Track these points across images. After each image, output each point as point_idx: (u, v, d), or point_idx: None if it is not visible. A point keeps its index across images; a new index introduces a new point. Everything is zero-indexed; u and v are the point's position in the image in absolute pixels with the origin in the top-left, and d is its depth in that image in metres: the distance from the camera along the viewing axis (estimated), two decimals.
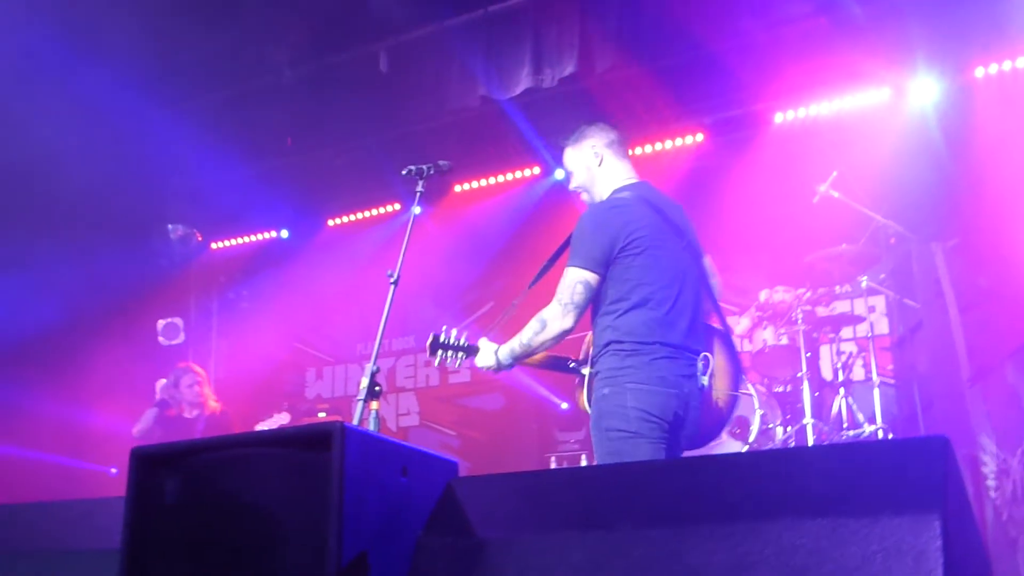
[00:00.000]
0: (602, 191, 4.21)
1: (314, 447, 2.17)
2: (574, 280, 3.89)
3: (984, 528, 4.90)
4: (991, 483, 5.16)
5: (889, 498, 1.78)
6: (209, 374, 9.79)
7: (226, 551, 2.29)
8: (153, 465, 2.48)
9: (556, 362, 4.31)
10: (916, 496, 1.75)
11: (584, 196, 4.30)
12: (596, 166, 4.25)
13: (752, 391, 6.49)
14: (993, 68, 6.75)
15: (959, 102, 6.76)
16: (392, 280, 4.13)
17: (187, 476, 2.42)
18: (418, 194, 4.41)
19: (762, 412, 6.46)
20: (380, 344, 4.03)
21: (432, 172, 4.42)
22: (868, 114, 7.25)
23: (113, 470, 8.52)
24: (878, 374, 6.54)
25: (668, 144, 8.09)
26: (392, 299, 4.10)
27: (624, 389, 3.70)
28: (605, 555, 2.08)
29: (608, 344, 3.84)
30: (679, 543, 2.01)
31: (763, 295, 7.22)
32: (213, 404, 7.54)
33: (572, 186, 4.34)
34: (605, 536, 2.11)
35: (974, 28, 6.48)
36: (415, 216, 4.33)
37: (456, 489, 2.38)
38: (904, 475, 1.81)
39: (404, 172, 4.41)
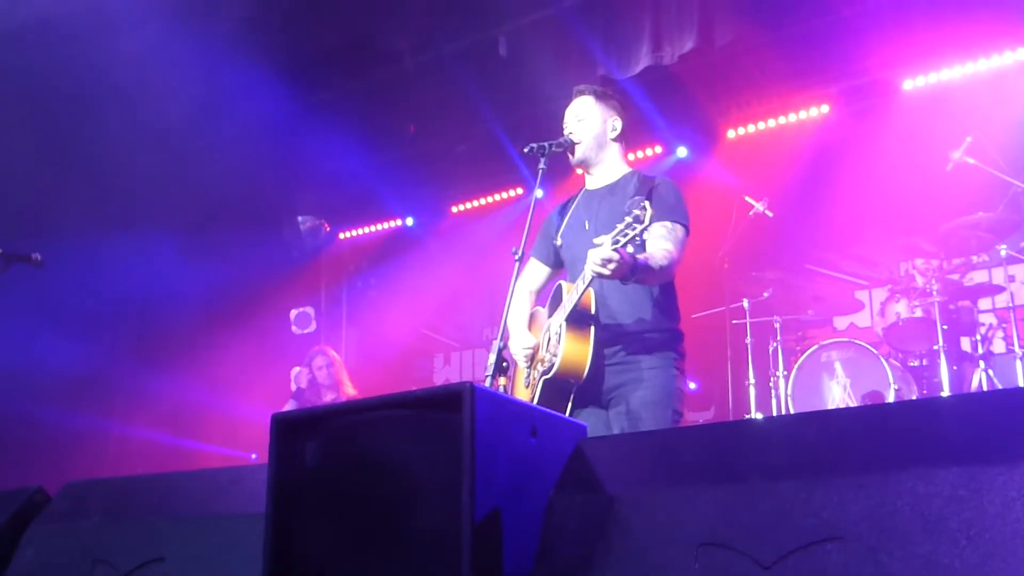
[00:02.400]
0: (604, 162, 4.25)
1: (446, 408, 2.22)
2: (684, 240, 3.96)
3: None
4: None
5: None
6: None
7: (364, 510, 2.37)
8: (294, 431, 2.58)
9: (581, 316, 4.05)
10: None
11: (576, 152, 4.28)
12: (610, 136, 4.29)
13: (886, 365, 6.34)
14: None
15: None
16: (517, 257, 4.15)
17: (325, 440, 2.51)
18: (540, 172, 4.40)
19: (897, 387, 6.30)
20: (505, 323, 4.06)
21: (555, 148, 4.42)
22: (1002, 76, 6.99)
23: (254, 456, 8.83)
24: (1020, 346, 6.29)
25: (792, 117, 7.95)
26: (518, 275, 4.11)
27: (681, 374, 3.99)
28: (734, 508, 2.07)
29: (671, 328, 4.05)
30: (809, 495, 1.99)
31: (901, 268, 7.04)
32: (350, 389, 7.72)
33: (578, 136, 4.28)
34: (734, 489, 2.11)
35: None
36: (537, 198, 4.34)
37: (585, 449, 2.41)
38: None
39: (526, 150, 4.42)
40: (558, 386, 3.94)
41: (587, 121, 4.30)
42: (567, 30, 7.76)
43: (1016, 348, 6.28)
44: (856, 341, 6.57)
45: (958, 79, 7.21)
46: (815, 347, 6.66)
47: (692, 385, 8.21)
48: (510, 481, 2.24)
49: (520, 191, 9.13)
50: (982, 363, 6.40)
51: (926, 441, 1.93)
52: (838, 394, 6.50)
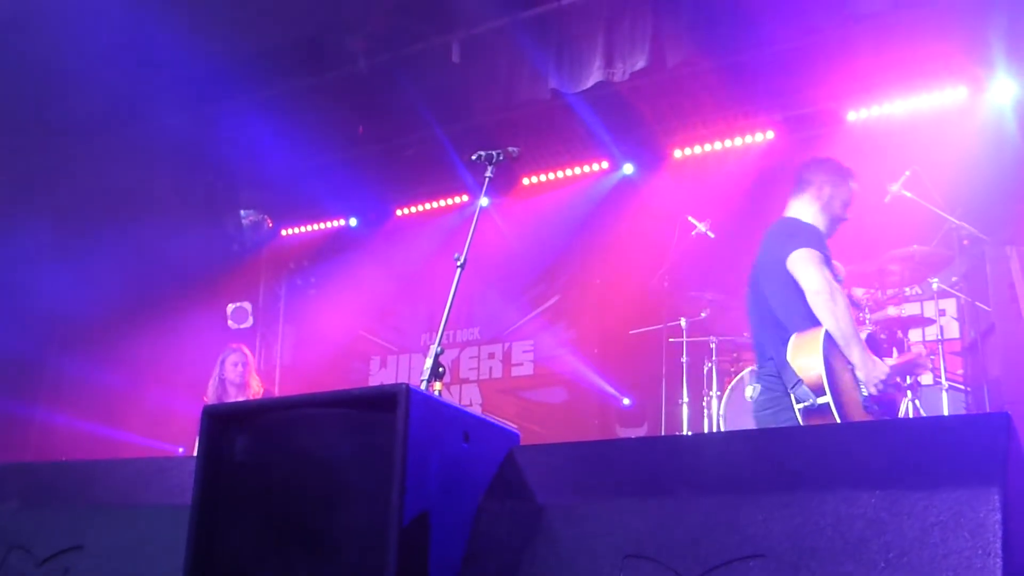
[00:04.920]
0: None
1: (380, 408, 2.22)
2: None
3: None
4: None
5: (949, 472, 1.78)
6: (275, 359, 9.99)
7: (292, 507, 2.35)
8: (224, 424, 2.56)
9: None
10: (976, 470, 1.75)
11: None
12: None
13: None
14: None
15: None
16: (459, 264, 4.15)
17: (256, 434, 2.49)
18: (486, 180, 4.42)
19: None
20: (444, 328, 4.05)
21: (501, 158, 4.43)
22: (943, 113, 7.16)
23: (180, 450, 8.70)
24: (947, 378, 6.43)
25: (738, 141, 8.05)
26: (459, 283, 4.11)
27: None
28: (662, 521, 2.10)
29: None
30: (736, 512, 2.02)
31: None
32: (256, 387, 7.62)
33: None
34: (663, 503, 2.13)
35: None
36: (482, 206, 4.35)
37: (517, 456, 2.42)
38: (964, 449, 1.81)
39: (473, 157, 4.44)
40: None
41: None
42: (521, 41, 7.79)
43: (943, 380, 6.42)
44: None
45: (900, 114, 7.36)
46: (748, 369, 6.73)
47: (626, 401, 8.27)
48: (440, 484, 2.24)
49: (465, 198, 9.13)
50: (909, 393, 6.51)
51: (851, 464, 1.97)
52: None
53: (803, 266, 4.09)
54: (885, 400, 3.97)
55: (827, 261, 4.19)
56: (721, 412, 6.65)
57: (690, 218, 7.16)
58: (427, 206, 9.58)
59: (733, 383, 6.70)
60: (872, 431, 2.10)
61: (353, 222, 10.06)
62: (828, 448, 2.03)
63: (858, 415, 3.87)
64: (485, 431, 2.41)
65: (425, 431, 2.18)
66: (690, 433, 6.76)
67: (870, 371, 3.91)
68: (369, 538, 2.20)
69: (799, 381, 3.87)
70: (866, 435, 2.04)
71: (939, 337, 6.69)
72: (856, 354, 3.92)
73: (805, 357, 3.91)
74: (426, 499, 2.18)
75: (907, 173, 6.54)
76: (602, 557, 2.07)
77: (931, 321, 6.93)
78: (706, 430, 6.81)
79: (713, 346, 6.97)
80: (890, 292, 6.91)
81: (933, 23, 6.53)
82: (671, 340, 7.13)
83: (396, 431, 2.13)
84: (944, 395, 6.38)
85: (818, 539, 1.88)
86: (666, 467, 2.21)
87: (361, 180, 9.24)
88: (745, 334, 7.29)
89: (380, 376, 10.07)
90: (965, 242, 6.63)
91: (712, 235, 7.08)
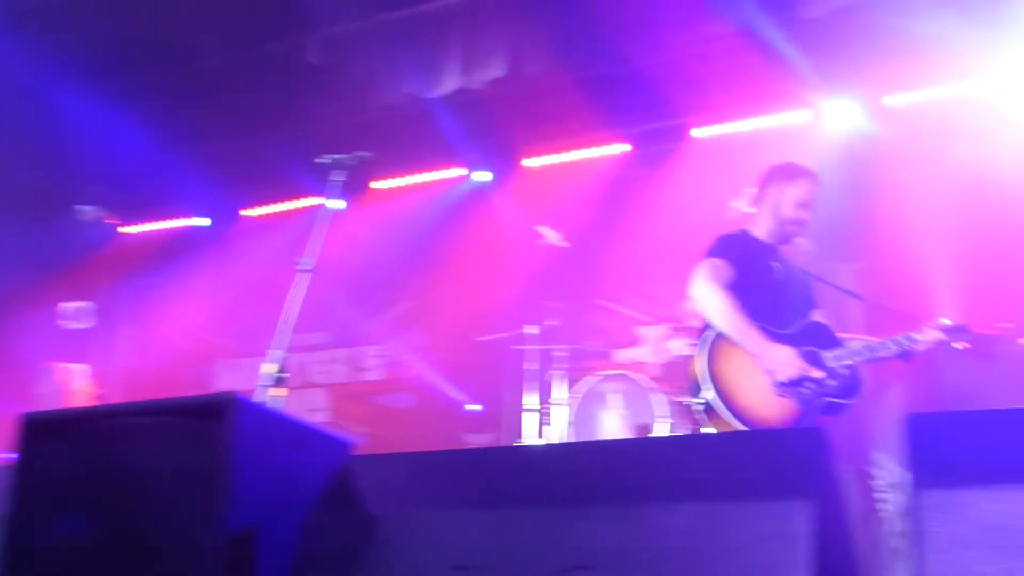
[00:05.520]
0: None
1: (208, 417, 2.16)
2: None
3: (873, 538, 5.04)
4: (881, 496, 5.31)
5: (764, 485, 1.84)
6: (113, 362, 9.61)
7: (113, 518, 2.26)
8: (44, 432, 2.45)
9: None
10: (790, 484, 1.81)
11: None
12: None
13: (660, 400, 6.57)
14: (904, 98, 7.10)
15: (874, 128, 7.00)
16: (304, 269, 4.10)
17: (77, 443, 2.39)
18: (335, 184, 4.38)
19: (668, 422, 6.54)
20: (287, 333, 3.98)
21: (352, 163, 4.42)
22: (787, 134, 7.44)
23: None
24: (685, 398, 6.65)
25: (592, 153, 8.19)
26: (305, 289, 4.06)
27: None
28: (492, 534, 2.10)
29: None
30: (566, 524, 2.04)
31: (680, 305, 7.32)
32: (85, 394, 7.32)
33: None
34: (497, 515, 2.14)
35: (886, 57, 6.72)
36: (332, 210, 4.31)
37: (352, 467, 2.38)
38: (779, 463, 1.87)
39: (323, 160, 4.40)
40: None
41: None
42: (379, 44, 7.72)
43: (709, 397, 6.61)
44: (631, 374, 6.78)
45: (746, 132, 7.62)
46: (593, 378, 6.82)
47: (474, 407, 8.28)
48: (270, 495, 2.19)
49: (316, 201, 8.99)
50: None
51: (674, 476, 2.01)
52: (613, 425, 6.68)
53: (693, 277, 4.36)
54: (840, 377, 4.20)
55: (742, 262, 4.41)
56: (566, 420, 6.72)
57: (541, 227, 7.22)
58: (276, 208, 9.40)
59: (578, 392, 6.77)
60: (694, 444, 2.15)
61: (200, 222, 9.79)
62: (654, 460, 2.07)
63: (764, 404, 4.08)
64: (319, 441, 2.37)
65: (253, 441, 2.12)
66: (530, 443, 6.81)
67: (768, 359, 4.09)
68: (193, 552, 2.13)
69: (690, 382, 4.18)
70: (689, 447, 2.09)
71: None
72: (751, 346, 4.11)
73: (696, 358, 4.20)
74: (253, 511, 2.13)
75: (750, 190, 6.76)
76: (430, 570, 2.05)
77: None
78: (550, 439, 6.87)
79: (559, 355, 7.03)
80: None
81: (777, 49, 6.76)
82: (518, 348, 7.17)
83: (222, 442, 2.07)
84: None
85: (641, 551, 1.92)
86: (499, 479, 2.21)
87: (208, 179, 9.00)
88: (593, 343, 7.42)
89: (225, 381, 9.82)
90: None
91: (563, 245, 7.16)
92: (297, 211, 9.24)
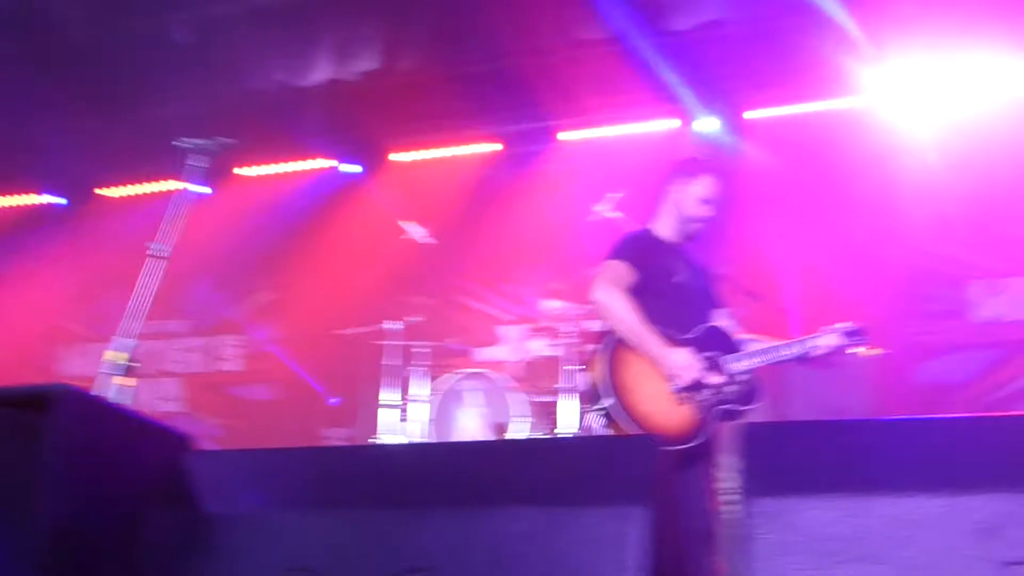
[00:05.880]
0: None
1: (33, 409, 2.07)
2: None
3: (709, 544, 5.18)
4: (724, 502, 5.46)
5: (598, 490, 1.88)
6: None
7: None
8: None
9: None
10: (622, 489, 1.85)
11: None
12: None
13: (517, 398, 6.62)
14: (763, 112, 7.38)
15: (734, 140, 7.23)
16: (158, 255, 3.99)
17: None
18: (194, 168, 4.27)
19: (525, 421, 6.59)
20: (138, 320, 3.86)
21: (213, 148, 4.31)
22: (653, 141, 7.60)
23: None
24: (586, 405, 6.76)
25: (461, 151, 8.20)
26: (158, 275, 3.94)
27: None
28: (336, 534, 2.08)
29: None
30: (409, 525, 2.03)
31: (541, 306, 7.38)
32: None
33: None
34: (338, 516, 2.12)
35: (749, 72, 6.94)
36: (193, 194, 4.20)
37: (188, 462, 2.32)
38: (613, 469, 1.91)
39: (182, 144, 4.28)
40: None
41: None
42: (250, 28, 7.55)
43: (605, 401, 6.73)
44: (490, 373, 6.81)
45: (613, 137, 7.75)
46: (453, 375, 6.83)
47: (333, 401, 8.20)
48: (96, 491, 2.11)
49: (180, 184, 8.73)
50: None
51: (513, 480, 2.02)
52: (470, 423, 6.70)
53: (594, 279, 4.21)
54: (739, 384, 4.10)
55: (644, 264, 4.23)
56: (425, 417, 6.71)
57: (407, 222, 7.19)
58: (135, 190, 9.11)
59: (437, 388, 6.77)
60: (536, 448, 2.17)
61: (52, 199, 9.41)
62: (496, 463, 2.08)
63: (664, 412, 3.97)
64: (155, 434, 2.30)
65: (81, 433, 2.05)
66: (387, 439, 6.78)
67: (666, 365, 3.98)
68: (16, 548, 2.05)
69: (590, 388, 4.05)
70: (531, 452, 2.11)
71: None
72: (650, 351, 4.00)
73: (597, 364, 4.07)
74: (80, 505, 2.06)
75: (614, 195, 6.87)
76: (263, 570, 2.02)
77: None
78: (408, 436, 6.85)
79: (420, 351, 7.02)
80: (592, 307, 7.23)
81: (645, 59, 6.89)
82: (381, 342, 7.12)
83: (47, 433, 1.99)
84: None
85: (477, 553, 1.93)
86: (341, 478, 2.19)
87: (66, 157, 8.66)
88: (453, 340, 7.43)
89: (75, 367, 9.47)
90: None
91: (429, 241, 7.14)
92: (157, 194, 8.97)
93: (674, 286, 4.26)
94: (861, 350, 4.32)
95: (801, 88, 7.31)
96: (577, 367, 6.74)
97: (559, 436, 6.51)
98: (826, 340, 4.24)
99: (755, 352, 4.22)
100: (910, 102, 7.19)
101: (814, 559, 1.78)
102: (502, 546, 1.90)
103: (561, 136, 7.90)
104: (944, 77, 7.06)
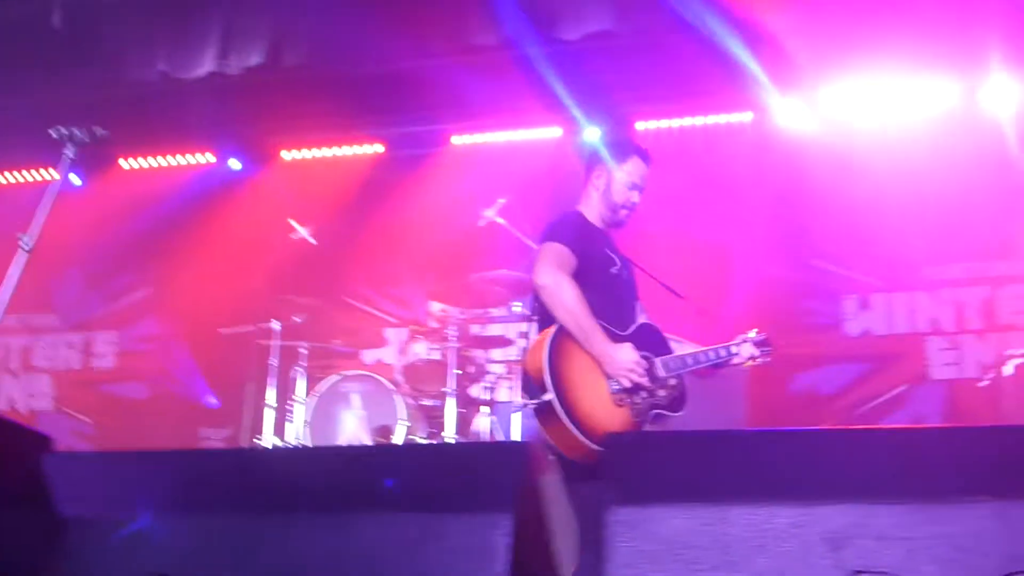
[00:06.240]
0: None
1: None
2: None
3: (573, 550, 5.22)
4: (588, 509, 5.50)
5: (468, 497, 1.88)
6: None
7: None
8: None
9: None
10: (491, 496, 1.85)
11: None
12: None
13: (399, 402, 6.59)
14: (653, 123, 7.58)
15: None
16: (25, 248, 3.85)
17: None
18: (67, 159, 4.14)
19: (407, 424, 6.57)
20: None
21: (86, 139, 4.18)
22: (540, 148, 7.67)
23: None
24: (523, 397, 6.79)
25: (348, 150, 8.14)
26: (20, 267, 3.80)
27: None
28: (202, 540, 2.04)
29: None
30: (277, 531, 2.01)
31: (427, 309, 7.38)
32: None
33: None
34: (201, 521, 2.08)
35: (637, 84, 7.08)
36: (63, 183, 4.08)
37: (48, 463, 2.25)
38: (483, 477, 1.91)
39: (53, 132, 4.15)
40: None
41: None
42: (132, 17, 7.36)
43: (518, 398, 6.77)
44: (375, 375, 6.77)
45: (502, 143, 7.80)
46: (336, 377, 6.76)
47: (212, 401, 8.05)
48: None
49: (51, 174, 8.45)
50: (487, 409, 6.85)
51: (386, 486, 2.02)
52: (352, 426, 6.65)
53: (537, 262, 3.89)
54: (669, 388, 3.85)
55: (583, 250, 3.92)
56: (305, 419, 6.63)
57: (292, 221, 7.10)
58: (6, 178, 8.79)
59: (319, 390, 6.70)
60: (407, 454, 2.17)
61: None
62: (367, 469, 2.07)
63: (603, 412, 3.70)
64: (11, 435, 2.22)
65: None
66: (268, 441, 6.70)
67: (608, 363, 3.72)
68: None
69: (528, 380, 3.74)
70: (401, 458, 2.11)
71: (519, 357, 7.09)
72: (593, 347, 3.73)
73: (533, 355, 3.77)
74: None
75: (500, 201, 6.90)
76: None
77: (511, 342, 7.33)
78: (289, 438, 6.76)
79: (304, 351, 6.94)
80: (477, 312, 7.26)
81: (533, 67, 6.94)
82: (263, 342, 7.02)
83: None
84: (519, 414, 6.73)
85: (348, 561, 1.91)
86: (206, 482, 2.15)
87: None
88: (338, 341, 7.36)
89: None
90: None
91: (314, 241, 7.07)
92: (31, 184, 8.66)
93: (611, 277, 4.01)
94: (762, 360, 4.15)
95: (690, 101, 7.48)
96: (460, 371, 6.78)
97: (434, 442, 6.51)
98: (741, 348, 4.09)
99: (686, 355, 3.99)
100: (797, 118, 7.43)
101: (673, 568, 1.81)
102: (373, 554, 1.89)
103: (454, 140, 7.90)
104: (832, 95, 7.31)
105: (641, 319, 4.06)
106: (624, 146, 4.24)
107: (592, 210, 4.13)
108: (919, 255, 7.50)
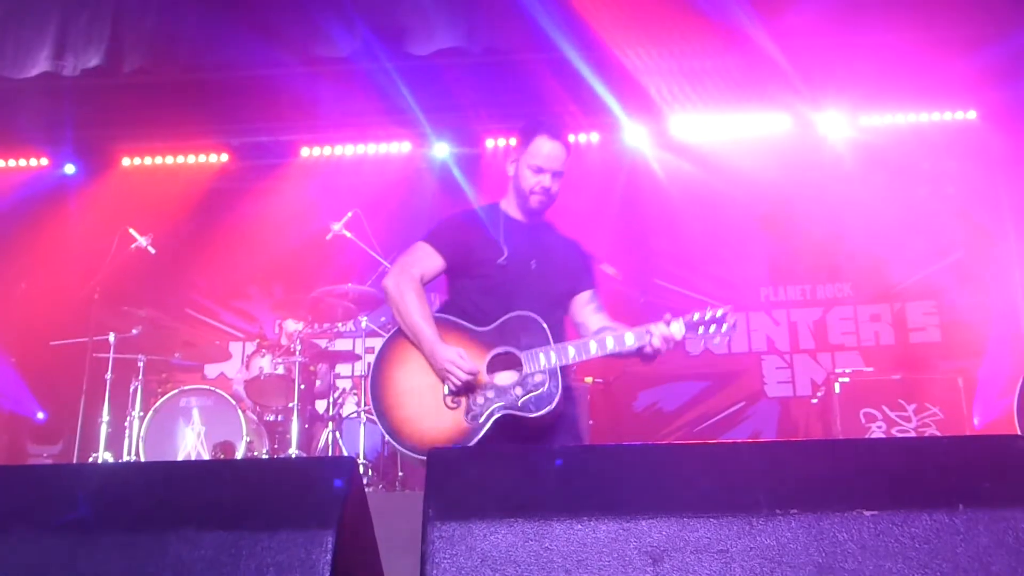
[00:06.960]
0: None
1: None
2: None
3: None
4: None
5: (290, 513, 1.83)
6: None
7: None
8: None
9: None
10: (314, 512, 1.81)
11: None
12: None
13: (241, 417, 6.44)
14: (503, 140, 7.70)
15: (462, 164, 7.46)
16: None
17: None
18: None
19: (249, 439, 6.42)
20: None
21: None
22: (390, 162, 7.66)
23: None
24: (366, 411, 6.74)
25: (191, 159, 7.93)
26: None
27: None
28: (40, 556, 1.92)
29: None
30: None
31: (274, 322, 7.24)
32: None
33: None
34: (49, 538, 1.95)
35: (489, 99, 7.14)
36: None
37: None
38: (305, 492, 1.87)
39: None
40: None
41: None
42: None
43: (362, 413, 6.72)
44: (216, 390, 6.60)
45: (350, 156, 7.77)
46: (175, 391, 6.57)
47: (40, 415, 7.69)
48: None
49: None
50: (331, 424, 6.76)
51: (203, 501, 1.94)
52: (191, 441, 6.46)
53: (394, 263, 3.82)
54: (532, 386, 3.48)
55: (458, 245, 3.76)
56: (142, 434, 6.40)
57: (131, 230, 6.85)
58: None
59: (158, 405, 6.49)
60: (223, 470, 2.10)
61: None
62: (180, 485, 2.00)
63: (430, 416, 3.49)
64: None
65: None
66: (108, 456, 6.45)
67: (433, 363, 3.52)
68: None
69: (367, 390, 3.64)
70: (217, 473, 2.04)
71: (364, 372, 7.02)
72: (423, 347, 3.55)
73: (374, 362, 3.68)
74: None
75: (349, 214, 6.84)
76: None
77: (358, 357, 7.26)
78: (126, 452, 6.52)
79: (141, 365, 6.70)
80: (324, 326, 7.17)
81: (385, 81, 6.92)
82: (97, 355, 6.75)
83: None
84: (362, 427, 6.66)
85: None
86: (4, 500, 2.02)
87: None
88: (177, 354, 7.14)
89: None
90: None
91: (153, 251, 6.83)
92: None
93: (498, 269, 3.74)
94: (718, 334, 3.82)
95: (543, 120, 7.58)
96: (304, 386, 6.67)
97: (254, 457, 6.39)
98: (662, 329, 3.60)
99: (565, 348, 3.56)
100: (650, 140, 7.64)
101: None
102: (182, 573, 1.81)
103: (303, 151, 7.80)
104: (679, 123, 7.53)
105: (523, 312, 3.65)
106: (527, 129, 3.92)
107: (509, 200, 3.93)
108: (756, 277, 7.80)
